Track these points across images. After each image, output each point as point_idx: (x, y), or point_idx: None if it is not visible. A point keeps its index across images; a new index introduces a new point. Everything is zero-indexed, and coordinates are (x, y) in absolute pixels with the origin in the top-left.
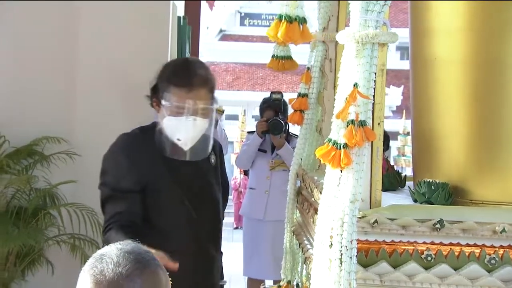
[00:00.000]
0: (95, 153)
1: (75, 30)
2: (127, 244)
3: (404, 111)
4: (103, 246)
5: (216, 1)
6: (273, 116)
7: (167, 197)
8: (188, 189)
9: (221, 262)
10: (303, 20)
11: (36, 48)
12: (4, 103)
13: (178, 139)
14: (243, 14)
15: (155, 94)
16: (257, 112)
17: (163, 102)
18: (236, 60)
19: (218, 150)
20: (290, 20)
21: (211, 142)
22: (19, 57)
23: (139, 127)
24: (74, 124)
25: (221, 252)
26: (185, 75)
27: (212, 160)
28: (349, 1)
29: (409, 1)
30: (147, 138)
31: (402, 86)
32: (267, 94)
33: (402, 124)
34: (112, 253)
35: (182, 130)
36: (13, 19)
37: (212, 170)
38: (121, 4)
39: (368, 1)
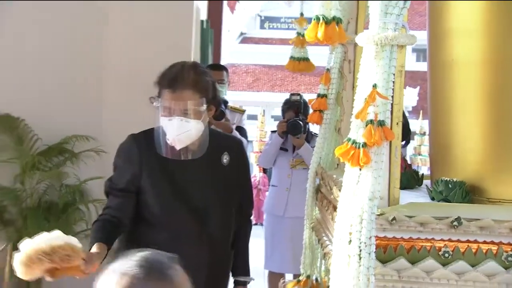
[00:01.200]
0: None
1: (103, 34)
2: (150, 252)
3: (420, 112)
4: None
5: (237, 5)
6: (294, 117)
7: (161, 195)
8: (183, 188)
9: (231, 257)
10: (339, 20)
11: (66, 51)
12: (36, 104)
13: (167, 139)
14: (263, 18)
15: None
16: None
17: (155, 103)
18: (256, 62)
19: (237, 149)
20: (327, 21)
21: (206, 142)
22: (51, 59)
23: (146, 129)
24: (101, 123)
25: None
26: (170, 77)
27: (224, 160)
28: (368, 4)
29: (427, 3)
30: (148, 138)
31: (418, 87)
32: (285, 95)
33: (418, 124)
34: (136, 258)
35: (169, 130)
36: (48, 20)
37: (222, 169)
38: (146, 8)
39: (387, 4)
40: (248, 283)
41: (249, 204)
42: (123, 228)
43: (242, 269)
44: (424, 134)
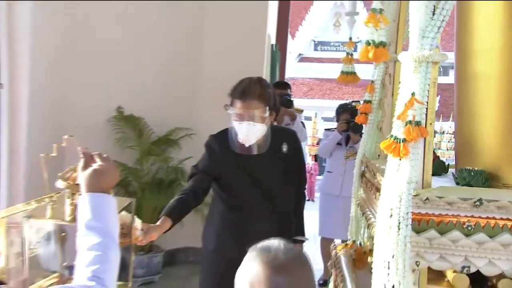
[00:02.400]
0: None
1: (200, 48)
2: (274, 241)
3: (440, 115)
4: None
5: (297, 33)
6: (349, 118)
7: (240, 180)
8: (256, 174)
9: (292, 223)
10: (385, 44)
11: (171, 64)
12: (151, 105)
13: (239, 138)
14: (316, 42)
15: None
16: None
17: (229, 110)
18: (310, 76)
19: (293, 139)
20: (376, 45)
21: (268, 139)
22: (161, 71)
23: (222, 129)
24: (197, 118)
25: (292, 218)
26: (240, 90)
27: (284, 149)
28: (407, 30)
29: (455, 26)
30: (222, 138)
31: (439, 96)
32: (334, 102)
33: (439, 125)
34: (277, 244)
35: (240, 132)
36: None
37: (283, 156)
38: (235, 36)
39: (424, 29)
40: (304, 241)
41: (304, 183)
42: (196, 202)
43: (299, 231)
44: (443, 133)
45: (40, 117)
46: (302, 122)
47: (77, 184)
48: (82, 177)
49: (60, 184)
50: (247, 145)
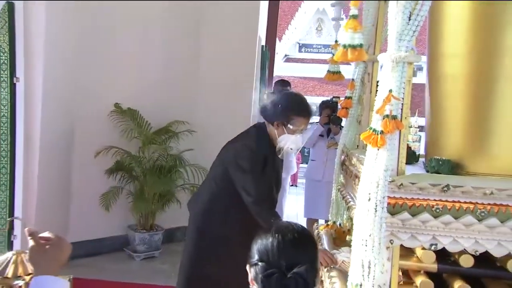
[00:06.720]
0: (207, 131)
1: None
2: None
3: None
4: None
5: (283, 36)
6: (331, 113)
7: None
8: (277, 174)
9: None
10: (362, 46)
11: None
12: (149, 99)
13: (291, 148)
14: (300, 44)
15: (276, 117)
16: None
17: (289, 126)
18: (295, 74)
19: None
20: (354, 46)
21: None
22: (160, 66)
23: (256, 136)
24: (195, 112)
25: None
26: (308, 111)
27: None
28: (387, 33)
29: (427, 32)
30: (263, 143)
31: None
32: (316, 98)
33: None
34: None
35: (296, 143)
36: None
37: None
38: (231, 35)
39: (401, 33)
40: None
41: None
42: None
43: None
44: (410, 127)
45: (53, 107)
46: None
47: (7, 277)
48: (29, 258)
49: None
50: (293, 152)
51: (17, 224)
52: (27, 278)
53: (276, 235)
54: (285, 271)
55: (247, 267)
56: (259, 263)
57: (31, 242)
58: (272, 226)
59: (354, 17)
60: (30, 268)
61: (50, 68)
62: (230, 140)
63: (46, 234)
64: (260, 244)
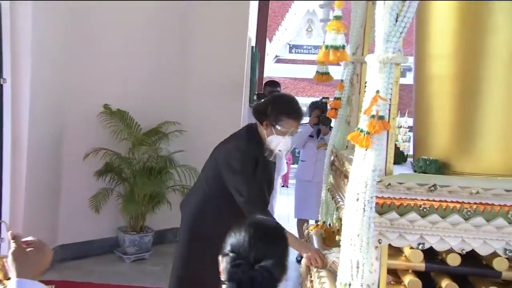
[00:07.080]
0: (197, 132)
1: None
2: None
3: (398, 111)
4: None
5: (274, 37)
6: (320, 114)
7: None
8: (269, 176)
9: None
10: (343, 47)
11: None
12: (139, 100)
13: (280, 150)
14: (291, 45)
15: (266, 118)
16: None
17: (278, 127)
18: (285, 75)
19: None
20: (336, 48)
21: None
22: (148, 68)
23: (247, 137)
24: (185, 113)
25: None
26: (299, 113)
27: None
28: (374, 34)
29: (414, 34)
30: (254, 144)
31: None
32: (307, 99)
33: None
34: None
35: (283, 144)
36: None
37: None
38: (220, 36)
39: (388, 34)
40: None
41: None
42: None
43: None
44: (400, 127)
45: (41, 109)
46: None
47: None
48: (11, 261)
49: None
50: (283, 154)
51: (4, 227)
52: (6, 282)
53: (250, 229)
54: (253, 263)
55: (219, 257)
56: (230, 254)
57: (13, 246)
58: (247, 220)
59: (338, 18)
60: (10, 273)
61: (37, 68)
62: (222, 141)
63: (29, 238)
64: (233, 237)
